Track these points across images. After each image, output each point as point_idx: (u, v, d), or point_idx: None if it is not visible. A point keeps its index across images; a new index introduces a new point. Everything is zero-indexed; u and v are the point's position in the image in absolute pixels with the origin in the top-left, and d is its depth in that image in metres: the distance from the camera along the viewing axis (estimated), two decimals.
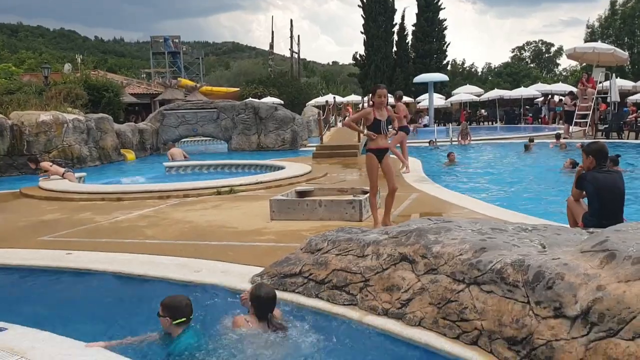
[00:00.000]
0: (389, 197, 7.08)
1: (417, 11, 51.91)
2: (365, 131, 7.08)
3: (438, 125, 32.12)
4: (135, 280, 5.43)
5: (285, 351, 3.81)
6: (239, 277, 5.10)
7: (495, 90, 42.54)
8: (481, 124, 39.79)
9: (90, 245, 6.75)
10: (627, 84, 31.59)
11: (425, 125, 35.68)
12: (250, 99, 33.52)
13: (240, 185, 11.29)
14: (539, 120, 35.27)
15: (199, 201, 10.07)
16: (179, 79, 47.01)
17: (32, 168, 14.20)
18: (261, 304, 4.03)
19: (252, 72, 65.47)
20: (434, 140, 22.49)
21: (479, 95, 42.40)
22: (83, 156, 18.26)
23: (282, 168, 14.10)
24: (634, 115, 23.58)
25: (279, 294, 4.58)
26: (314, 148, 19.94)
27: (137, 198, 10.58)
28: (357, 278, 4.26)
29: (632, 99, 30.17)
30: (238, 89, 47.83)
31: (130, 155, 21.24)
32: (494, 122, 38.31)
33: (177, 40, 63.39)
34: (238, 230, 7.35)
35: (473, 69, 77.66)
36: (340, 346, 3.85)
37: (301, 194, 8.87)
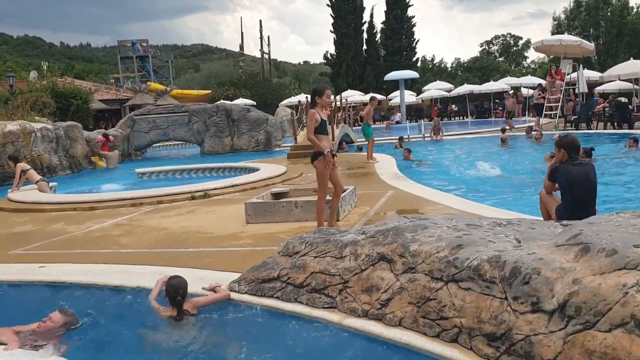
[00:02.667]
0: (337, 200, 7.07)
1: (385, 9, 52.23)
2: (327, 152, 6.80)
3: (410, 122, 32.32)
4: (112, 291, 5.33)
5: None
6: None
7: (465, 85, 42.99)
8: (452, 119, 40.14)
9: (64, 257, 6.61)
10: (594, 74, 32.07)
11: (397, 122, 35.86)
12: (222, 101, 33.28)
13: (215, 189, 11.19)
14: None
15: (173, 207, 9.96)
16: (148, 83, 46.50)
17: (10, 167, 13.90)
18: (168, 290, 4.59)
19: (223, 74, 65.12)
20: (403, 137, 22.28)
21: (449, 91, 42.78)
22: (53, 165, 17.92)
23: (256, 170, 14.02)
24: (602, 105, 24.02)
25: (258, 300, 4.56)
26: (289, 148, 19.89)
27: (110, 206, 10.41)
28: (336, 280, 4.24)
29: (599, 89, 30.72)
30: (209, 91, 47.51)
31: (101, 162, 20.93)
32: (464, 117, 38.70)
33: (145, 44, 62.74)
34: (214, 236, 7.29)
35: (442, 65, 78.36)
36: (321, 350, 3.83)
37: (277, 195, 8.83)
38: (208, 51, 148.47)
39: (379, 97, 43.02)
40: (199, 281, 5.12)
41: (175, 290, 4.56)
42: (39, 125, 18.02)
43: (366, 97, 43.14)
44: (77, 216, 9.79)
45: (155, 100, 36.75)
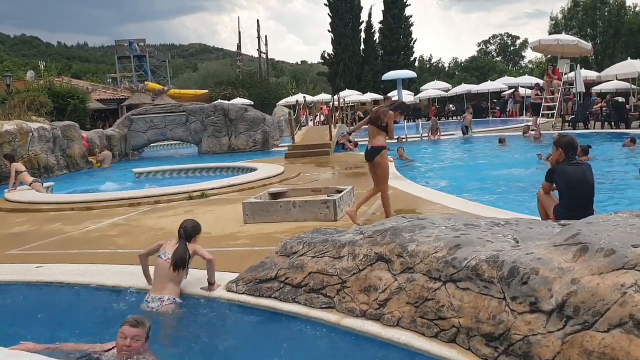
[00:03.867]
0: (373, 195, 7.34)
1: (383, 8, 52.27)
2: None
3: (408, 122, 32.32)
4: (109, 291, 5.33)
5: None
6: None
7: (463, 85, 43.05)
8: (450, 119, 40.19)
9: (61, 258, 6.60)
10: (592, 74, 32.09)
11: (395, 122, 35.83)
12: (219, 101, 33.25)
13: (212, 189, 11.17)
14: (507, 113, 35.76)
15: (170, 207, 9.94)
16: (146, 83, 46.42)
17: (7, 166, 13.83)
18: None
19: (221, 73, 65.02)
20: (403, 137, 22.31)
21: (447, 91, 42.81)
22: (50, 165, 17.88)
23: (254, 170, 13.99)
24: (599, 105, 24.05)
25: (256, 300, 4.55)
26: (286, 148, 19.88)
27: (107, 207, 10.38)
28: (334, 280, 4.23)
29: (596, 89, 30.77)
30: (207, 91, 47.46)
31: (98, 163, 20.90)
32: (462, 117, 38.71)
33: (142, 44, 62.66)
34: (212, 236, 7.27)
35: (440, 65, 78.40)
36: (319, 351, 3.82)
37: (275, 195, 8.82)
38: (206, 51, 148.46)
39: (378, 97, 43.14)
40: (197, 281, 5.12)
41: (181, 225, 5.18)
42: (36, 125, 17.97)
43: (364, 97, 43.27)
44: (75, 216, 9.77)
45: (153, 100, 36.71)
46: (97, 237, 7.80)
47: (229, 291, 4.79)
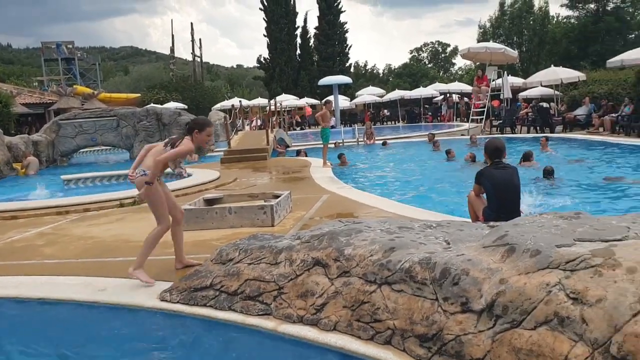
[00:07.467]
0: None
1: (318, 14, 52.65)
2: None
3: (344, 127, 32.71)
4: (35, 303, 5.09)
5: None
6: (147, 294, 4.90)
7: (397, 90, 43.94)
8: (384, 123, 40.91)
9: None
10: (518, 80, 33.43)
11: (332, 127, 36.16)
12: (152, 104, 32.52)
13: None
14: (438, 118, 36.74)
15: (101, 215, 9.62)
16: (74, 86, 44.85)
17: None
18: None
19: (153, 77, 63.84)
20: (339, 141, 22.77)
21: (381, 96, 43.57)
22: None
23: (188, 175, 13.76)
24: (525, 110, 25.08)
25: (190, 309, 4.46)
26: (222, 153, 19.65)
27: (33, 215, 9.93)
28: (271, 286, 4.21)
29: (522, 95, 32.09)
30: (139, 94, 46.41)
31: (23, 170, 20.00)
32: (396, 122, 39.52)
33: (70, 46, 60.47)
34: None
35: (375, 71, 79.68)
36: (256, 358, 3.79)
37: (210, 201, 8.68)
38: (137, 54, 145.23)
39: (314, 101, 43.41)
40: (130, 291, 4.98)
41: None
42: None
43: (300, 102, 43.40)
44: None
45: (82, 104, 35.54)
46: (23, 247, 7.44)
47: (162, 300, 4.67)
